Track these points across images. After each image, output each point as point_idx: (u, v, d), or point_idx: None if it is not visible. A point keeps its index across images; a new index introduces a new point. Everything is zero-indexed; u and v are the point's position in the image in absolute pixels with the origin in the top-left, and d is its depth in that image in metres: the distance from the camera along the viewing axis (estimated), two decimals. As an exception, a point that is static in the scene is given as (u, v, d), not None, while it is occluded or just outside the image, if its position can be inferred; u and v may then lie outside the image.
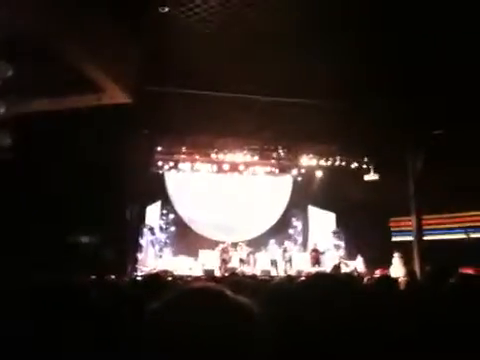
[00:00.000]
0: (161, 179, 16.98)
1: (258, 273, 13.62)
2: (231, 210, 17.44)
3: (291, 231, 17.42)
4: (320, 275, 1.83)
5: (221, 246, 15.29)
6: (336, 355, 1.34)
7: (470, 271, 9.60)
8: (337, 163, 16.05)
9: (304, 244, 17.19)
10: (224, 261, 14.77)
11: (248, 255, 15.40)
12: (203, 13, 8.98)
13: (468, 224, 15.01)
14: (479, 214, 14.79)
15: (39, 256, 9.26)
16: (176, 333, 0.84)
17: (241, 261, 15.20)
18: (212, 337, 0.83)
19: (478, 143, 11.94)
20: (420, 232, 14.68)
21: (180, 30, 9.32)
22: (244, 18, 8.88)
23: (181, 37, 9.48)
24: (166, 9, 8.54)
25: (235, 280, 3.20)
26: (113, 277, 8.81)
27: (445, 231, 15.35)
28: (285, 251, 15.41)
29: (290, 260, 15.37)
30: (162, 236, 16.18)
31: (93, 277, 7.56)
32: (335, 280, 1.71)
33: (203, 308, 0.87)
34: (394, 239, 16.16)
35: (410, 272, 10.93)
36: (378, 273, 12.58)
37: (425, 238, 14.78)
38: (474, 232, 14.80)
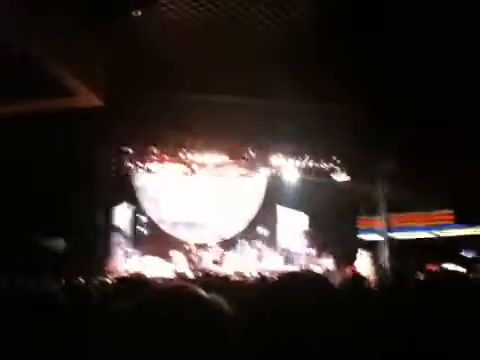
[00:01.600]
0: (130, 180, 16.77)
1: (231, 274, 13.60)
2: (201, 211, 17.36)
3: (262, 231, 17.47)
4: (292, 274, 1.83)
5: (189, 247, 15.23)
6: (307, 356, 1.34)
7: (436, 268, 9.85)
8: (307, 163, 16.19)
9: (275, 244, 17.26)
10: (192, 262, 14.70)
11: (221, 256, 15.37)
12: (172, 15, 8.94)
13: (434, 222, 15.35)
14: (446, 213, 15.14)
15: (5, 259, 9.04)
16: (148, 332, 0.84)
17: (214, 262, 15.16)
18: (183, 335, 0.84)
19: (446, 142, 12.23)
20: (388, 230, 14.97)
21: (150, 33, 9.26)
22: (211, 19, 8.87)
23: (152, 40, 9.41)
24: (139, 13, 8.47)
25: (207, 281, 3.19)
26: (81, 280, 8.64)
27: (411, 229, 15.67)
28: (259, 251, 15.44)
29: (263, 260, 15.40)
30: (131, 237, 15.97)
31: (62, 281, 7.41)
32: (306, 279, 1.71)
33: (176, 306, 0.88)
34: (364, 238, 16.42)
35: (380, 270, 11.14)
36: (348, 271, 12.75)
37: (393, 236, 15.09)
38: (442, 229, 15.15)
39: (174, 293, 0.94)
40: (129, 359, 0.85)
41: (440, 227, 15.09)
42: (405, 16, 8.62)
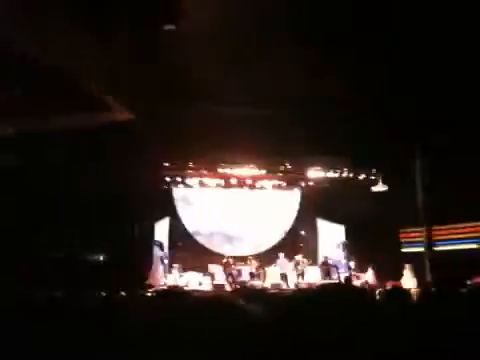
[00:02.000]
0: (169, 195, 17.01)
1: (268, 286, 13.53)
2: (239, 224, 17.40)
3: (301, 244, 17.32)
4: (330, 286, 1.82)
5: (224, 261, 15.25)
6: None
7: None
8: (345, 175, 16.01)
9: (314, 257, 17.07)
10: (230, 275, 14.69)
11: (258, 269, 15.32)
12: (207, 29, 9.07)
13: (479, 234, 14.85)
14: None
15: (49, 274, 9.28)
16: (189, 339, 0.84)
17: (251, 275, 15.13)
18: (223, 343, 0.84)
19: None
20: (430, 243, 14.57)
21: (184, 47, 9.41)
22: (243, 31, 8.94)
23: (184, 55, 9.56)
24: (172, 27, 8.62)
25: (245, 292, 3.19)
26: (123, 294, 8.77)
27: (456, 241, 15.19)
28: (297, 264, 15.31)
29: (302, 274, 15.26)
30: (171, 252, 16.14)
31: (103, 294, 7.54)
32: (345, 291, 1.70)
33: (215, 315, 0.88)
34: (404, 250, 16.03)
35: (422, 283, 10.83)
36: (389, 285, 12.45)
37: (436, 248, 14.66)
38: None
39: (212, 303, 0.95)
40: None
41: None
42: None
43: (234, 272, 14.81)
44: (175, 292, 3.71)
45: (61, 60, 7.96)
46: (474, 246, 14.79)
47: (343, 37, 8.85)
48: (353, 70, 9.66)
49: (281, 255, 15.57)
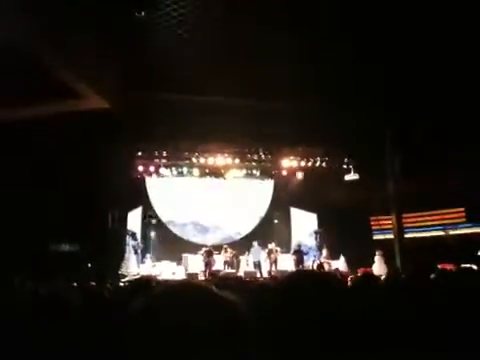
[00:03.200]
0: (142, 184, 16.89)
1: (242, 275, 13.62)
2: (213, 213, 17.44)
3: (274, 233, 17.47)
4: (302, 273, 1.85)
5: (204, 249, 15.24)
6: (319, 352, 1.36)
7: (449, 267, 9.77)
8: (317, 164, 16.17)
9: (287, 245, 17.25)
10: (208, 264, 14.72)
11: (232, 258, 15.39)
12: (180, 17, 8.99)
13: (447, 221, 15.25)
14: (457, 211, 15.04)
15: (20, 265, 9.13)
16: (163, 328, 0.83)
17: (225, 263, 15.19)
18: (199, 331, 0.83)
19: (455, 141, 12.16)
20: (401, 230, 14.87)
21: (160, 37, 9.32)
22: (222, 22, 8.91)
23: (161, 43, 9.47)
24: (142, 14, 8.53)
25: (219, 280, 3.22)
26: (94, 284, 8.71)
27: (424, 229, 15.57)
28: (270, 253, 15.42)
29: (275, 261, 15.39)
30: (144, 241, 16.07)
31: (75, 284, 7.47)
32: (317, 277, 1.74)
33: (189, 303, 0.87)
34: (375, 238, 16.34)
35: (392, 270, 11.06)
36: (360, 272, 12.69)
37: (406, 236, 14.99)
38: (452, 229, 15.05)
39: (184, 290, 0.93)
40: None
41: (452, 226, 15.00)
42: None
43: (208, 261, 14.84)
44: (146, 282, 3.71)
45: (33, 47, 7.78)
46: (441, 233, 15.20)
47: (319, 24, 8.89)
48: (326, 58, 9.73)
49: (255, 243, 15.66)
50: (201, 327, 0.83)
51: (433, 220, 15.48)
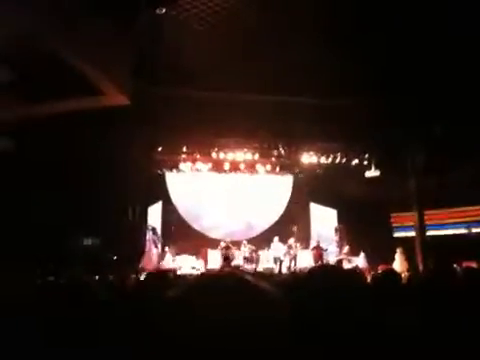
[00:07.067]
0: (162, 179, 17.00)
1: (261, 271, 13.63)
2: (233, 209, 17.45)
3: (294, 229, 17.42)
4: (324, 267, 1.84)
5: (223, 244, 15.30)
6: (339, 346, 1.36)
7: (473, 265, 9.62)
8: (338, 160, 16.04)
9: (306, 241, 17.20)
10: (226, 259, 14.76)
11: (251, 253, 15.41)
12: (200, 13, 9.01)
13: (470, 218, 15.01)
14: (480, 208, 14.80)
15: (43, 259, 9.28)
16: (200, 316, 0.82)
17: (245, 259, 15.22)
18: (236, 320, 0.82)
19: (477, 137, 11.96)
20: (422, 227, 14.69)
21: (178, 31, 9.34)
22: (241, 16, 8.89)
23: (179, 38, 9.50)
24: (163, 10, 8.56)
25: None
26: (114, 277, 8.82)
27: (446, 226, 15.35)
28: (290, 248, 15.39)
29: (295, 257, 15.36)
30: (164, 236, 16.19)
31: (96, 278, 7.59)
32: (338, 272, 1.73)
33: (227, 291, 0.86)
34: (396, 235, 16.18)
35: (413, 267, 10.94)
36: (381, 269, 12.59)
37: (427, 233, 14.80)
38: (476, 226, 14.81)
39: (220, 280, 0.91)
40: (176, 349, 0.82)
41: (475, 223, 14.76)
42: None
43: (228, 256, 14.89)
44: (166, 273, 3.73)
45: (56, 45, 7.87)
46: (463, 231, 14.97)
47: (342, 26, 8.83)
48: (349, 54, 9.64)
49: (276, 239, 15.64)
50: (238, 315, 0.82)
51: (455, 217, 15.25)
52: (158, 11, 8.61)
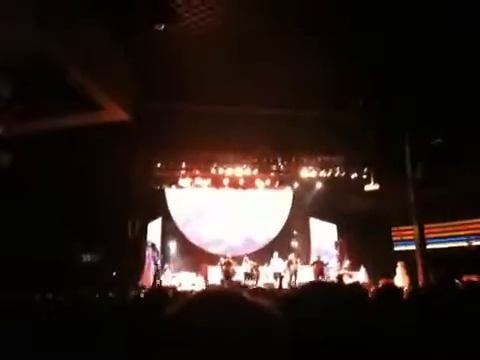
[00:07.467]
0: (162, 195, 16.99)
1: (261, 286, 13.55)
2: (232, 224, 17.41)
3: (294, 244, 17.36)
4: (321, 284, 1.82)
5: (223, 260, 15.23)
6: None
7: (473, 278, 9.57)
8: (337, 174, 16.05)
9: (307, 256, 17.12)
10: (227, 275, 14.68)
11: (252, 269, 15.33)
12: (198, 30, 9.08)
13: (470, 231, 14.96)
14: (480, 221, 14.77)
15: (41, 274, 9.22)
16: (197, 335, 0.81)
17: (246, 275, 15.14)
18: (234, 338, 0.81)
19: (477, 150, 11.97)
20: (422, 241, 14.62)
21: (176, 47, 9.41)
22: (239, 30, 8.96)
23: (177, 54, 9.56)
24: (162, 27, 8.63)
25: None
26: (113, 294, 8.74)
27: (447, 239, 15.29)
28: (290, 264, 15.32)
29: (295, 273, 15.28)
30: (164, 252, 16.11)
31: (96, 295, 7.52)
32: (336, 289, 1.71)
33: (224, 309, 0.85)
34: (397, 249, 16.10)
35: (414, 281, 10.88)
36: (382, 283, 12.50)
37: (428, 247, 14.73)
38: (476, 239, 14.76)
39: (218, 296, 0.91)
40: None
41: (476, 237, 14.72)
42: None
43: (228, 272, 14.81)
44: (164, 291, 3.70)
45: (56, 60, 7.91)
46: (464, 244, 14.91)
47: (342, 37, 8.90)
48: (348, 67, 9.70)
49: (275, 254, 15.59)
50: (236, 333, 0.81)
51: (456, 230, 15.20)
52: (157, 28, 8.68)
